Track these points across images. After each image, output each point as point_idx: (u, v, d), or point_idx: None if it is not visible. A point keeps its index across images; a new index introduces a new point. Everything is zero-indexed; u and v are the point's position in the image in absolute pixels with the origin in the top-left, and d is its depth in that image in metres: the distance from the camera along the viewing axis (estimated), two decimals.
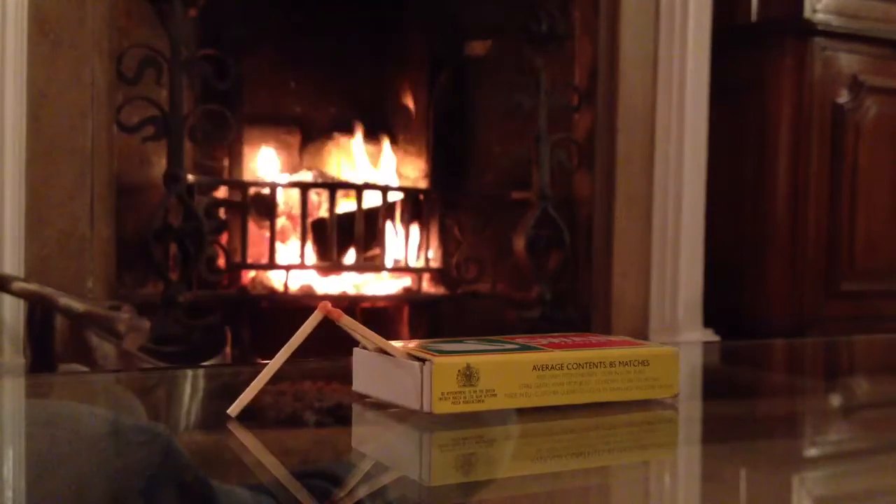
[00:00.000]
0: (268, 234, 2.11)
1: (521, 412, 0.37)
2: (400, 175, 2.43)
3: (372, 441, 0.37)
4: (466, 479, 0.32)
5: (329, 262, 2.17)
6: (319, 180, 2.29)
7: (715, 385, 0.56)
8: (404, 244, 2.27)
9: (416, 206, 2.33)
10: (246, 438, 0.35)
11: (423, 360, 0.36)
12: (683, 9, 2.23)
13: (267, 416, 0.37)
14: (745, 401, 0.48)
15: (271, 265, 2.12)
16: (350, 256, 2.19)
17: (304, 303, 2.10)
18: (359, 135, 2.39)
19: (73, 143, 1.71)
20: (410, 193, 2.33)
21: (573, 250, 2.22)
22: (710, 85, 2.27)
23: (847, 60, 2.42)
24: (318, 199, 2.23)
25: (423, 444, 0.36)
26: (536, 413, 0.38)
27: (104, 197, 1.77)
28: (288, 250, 2.21)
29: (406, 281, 2.35)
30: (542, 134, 2.16)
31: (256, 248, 2.14)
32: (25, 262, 1.63)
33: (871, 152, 2.47)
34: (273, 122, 2.33)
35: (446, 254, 2.39)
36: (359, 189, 2.18)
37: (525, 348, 0.39)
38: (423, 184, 2.44)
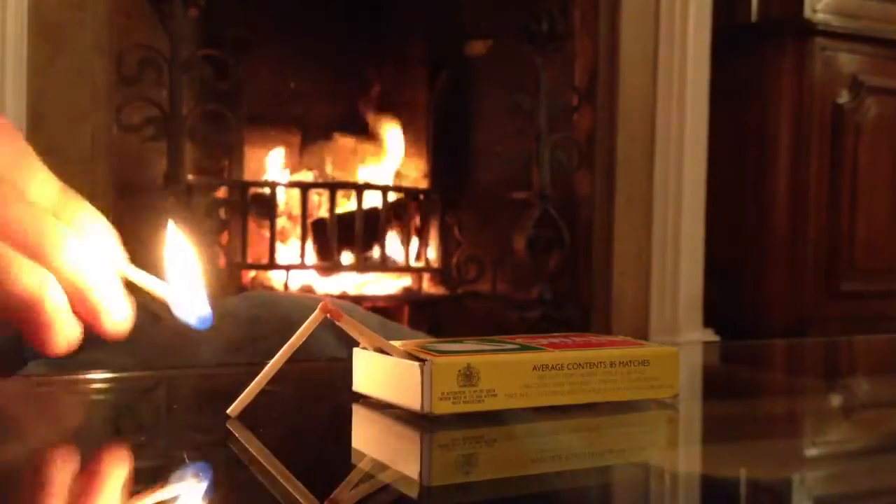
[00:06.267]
0: (268, 234, 2.11)
1: (521, 412, 0.37)
2: (400, 175, 2.43)
3: (372, 441, 0.37)
4: (466, 479, 0.32)
5: (329, 262, 2.17)
6: (319, 180, 2.29)
7: (715, 385, 0.56)
8: (404, 244, 2.27)
9: (416, 206, 2.33)
10: (246, 438, 0.35)
11: (423, 360, 0.36)
12: (683, 9, 2.23)
13: (267, 416, 0.37)
14: (745, 401, 0.48)
15: (271, 265, 2.12)
16: (350, 256, 2.19)
17: None
18: (359, 135, 2.39)
19: (73, 143, 1.71)
20: (410, 193, 2.33)
21: (573, 250, 2.22)
22: (710, 85, 2.28)
23: (847, 60, 2.42)
24: (318, 199, 2.23)
25: (423, 444, 0.36)
26: (536, 413, 0.38)
27: (104, 197, 1.77)
28: (288, 250, 2.21)
29: (406, 281, 2.35)
30: (542, 134, 2.16)
31: (256, 248, 2.14)
32: None
33: (871, 152, 2.47)
34: (273, 122, 2.33)
35: (446, 254, 2.39)
36: (359, 189, 2.18)
37: (525, 348, 0.39)
38: (423, 184, 2.44)
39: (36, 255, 0.32)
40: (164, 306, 0.37)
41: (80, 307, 0.34)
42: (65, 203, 0.35)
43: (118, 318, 0.35)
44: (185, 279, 0.37)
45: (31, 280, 0.32)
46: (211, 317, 0.37)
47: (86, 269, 0.34)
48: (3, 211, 0.32)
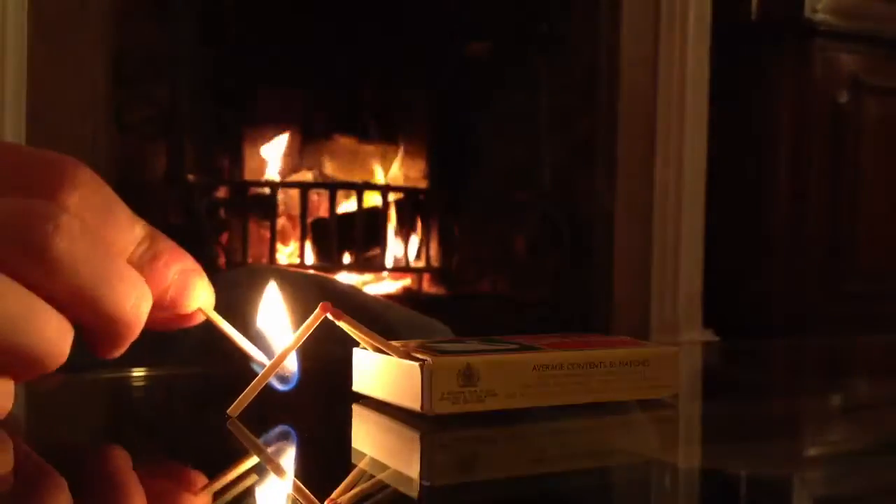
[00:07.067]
0: (268, 234, 2.11)
1: (521, 412, 0.37)
2: (400, 175, 2.43)
3: (372, 441, 0.37)
4: (466, 479, 0.32)
5: (329, 262, 2.17)
6: (319, 180, 2.29)
7: (715, 385, 0.56)
8: (404, 244, 2.27)
9: (416, 206, 2.33)
10: (246, 439, 0.35)
11: (422, 360, 0.36)
12: (683, 9, 2.23)
13: (267, 416, 0.37)
14: (745, 401, 0.48)
15: (272, 265, 2.12)
16: (350, 256, 2.19)
17: None
18: (359, 135, 2.39)
19: (73, 143, 1.71)
20: (410, 193, 2.33)
21: (573, 250, 2.22)
22: (710, 84, 2.28)
23: (847, 60, 2.42)
24: (318, 199, 2.23)
25: (423, 444, 0.36)
26: (536, 413, 0.38)
27: None
28: (288, 250, 2.21)
29: (406, 281, 2.35)
30: (542, 134, 2.16)
31: (256, 248, 2.14)
32: None
33: (872, 152, 2.47)
34: (273, 122, 2.33)
35: (446, 254, 2.39)
36: (359, 189, 2.18)
37: (525, 348, 0.39)
38: (423, 184, 2.44)
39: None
40: (245, 358, 0.37)
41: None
42: (152, 247, 0.34)
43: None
44: (275, 338, 0.37)
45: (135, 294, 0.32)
46: (297, 378, 0.37)
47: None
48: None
